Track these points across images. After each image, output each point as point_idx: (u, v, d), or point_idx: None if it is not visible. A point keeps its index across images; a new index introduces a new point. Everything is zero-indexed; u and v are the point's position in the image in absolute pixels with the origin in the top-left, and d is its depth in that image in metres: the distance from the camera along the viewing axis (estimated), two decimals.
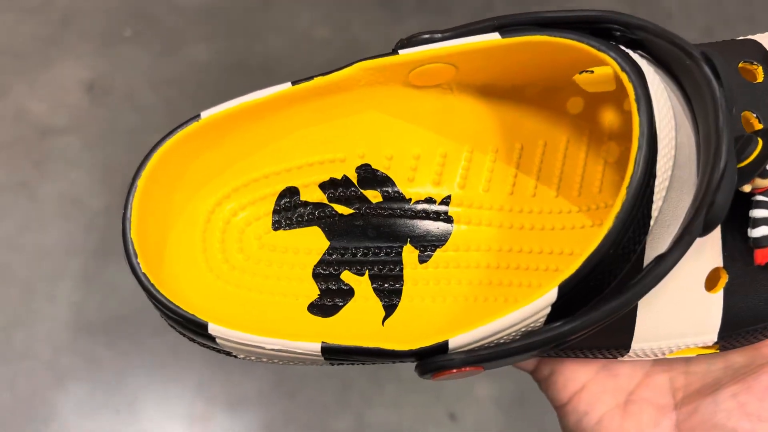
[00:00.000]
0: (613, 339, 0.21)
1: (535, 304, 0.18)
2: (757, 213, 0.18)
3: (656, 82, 0.19)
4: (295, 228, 0.25)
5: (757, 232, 0.18)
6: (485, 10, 0.93)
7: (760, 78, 0.21)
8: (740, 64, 0.22)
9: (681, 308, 0.20)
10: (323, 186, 0.25)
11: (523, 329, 0.19)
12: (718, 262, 0.20)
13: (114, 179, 0.73)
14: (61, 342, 0.62)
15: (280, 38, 0.89)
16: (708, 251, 0.20)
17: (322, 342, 0.20)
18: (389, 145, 0.25)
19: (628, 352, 0.21)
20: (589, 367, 0.23)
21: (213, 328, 0.20)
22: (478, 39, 0.21)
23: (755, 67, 0.22)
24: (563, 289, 0.18)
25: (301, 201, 0.25)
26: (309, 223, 0.25)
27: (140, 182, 0.21)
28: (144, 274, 0.20)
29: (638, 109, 0.18)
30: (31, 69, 0.84)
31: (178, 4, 0.93)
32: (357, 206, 0.25)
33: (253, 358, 0.21)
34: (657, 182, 0.18)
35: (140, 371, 0.61)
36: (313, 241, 0.25)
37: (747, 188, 0.18)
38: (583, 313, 0.18)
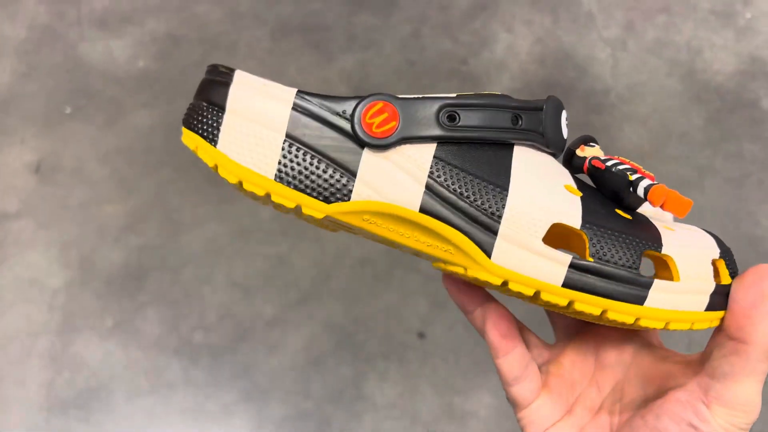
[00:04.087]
0: (493, 175, 0.26)
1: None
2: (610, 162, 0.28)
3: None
4: None
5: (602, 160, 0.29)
6: (413, 39, 0.96)
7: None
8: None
9: (548, 190, 0.26)
10: None
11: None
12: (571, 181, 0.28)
13: (70, 255, 0.73)
14: (35, 424, 0.62)
15: None
16: (565, 174, 0.27)
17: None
18: None
19: (506, 200, 0.26)
20: (557, 409, 0.29)
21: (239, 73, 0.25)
22: None
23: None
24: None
25: None
26: None
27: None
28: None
29: None
30: None
31: (114, 74, 0.95)
32: None
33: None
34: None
35: None
36: None
37: (581, 153, 0.29)
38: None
